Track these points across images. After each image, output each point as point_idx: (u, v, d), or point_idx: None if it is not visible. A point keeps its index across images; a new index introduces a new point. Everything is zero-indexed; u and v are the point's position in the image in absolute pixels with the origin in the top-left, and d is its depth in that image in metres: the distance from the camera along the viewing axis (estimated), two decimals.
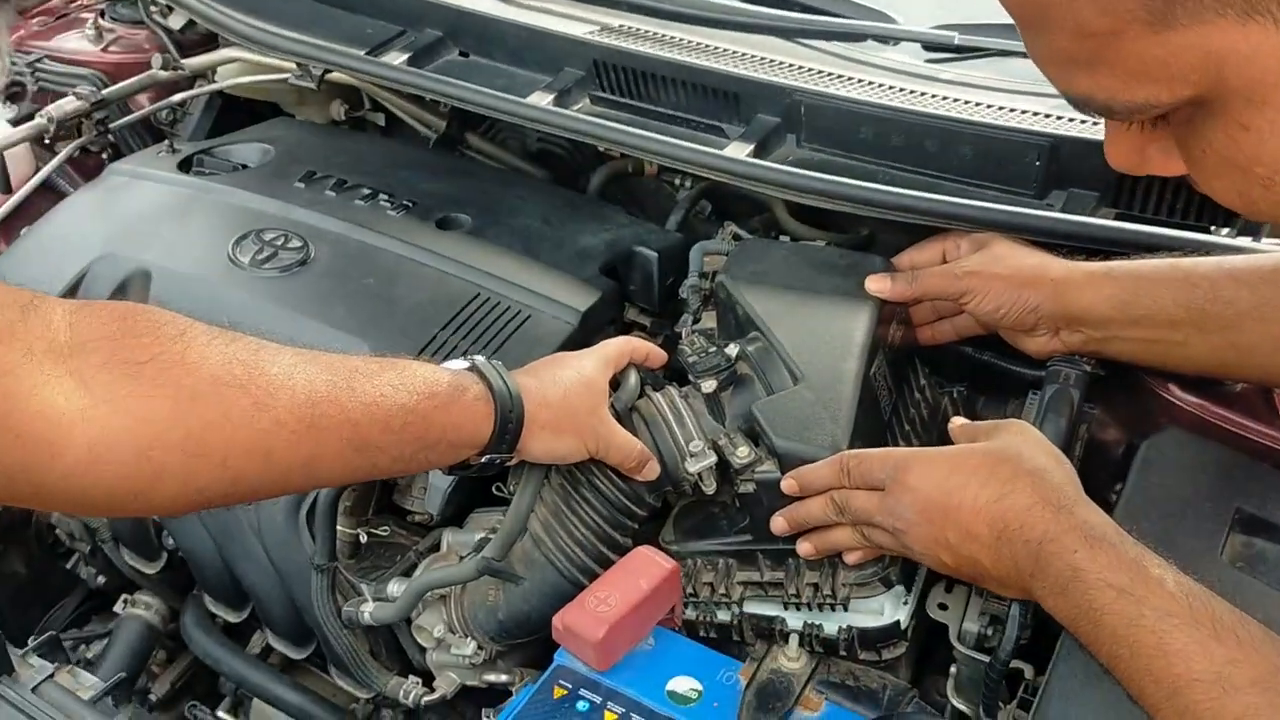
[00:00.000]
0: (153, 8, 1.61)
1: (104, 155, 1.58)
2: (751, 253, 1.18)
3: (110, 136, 1.56)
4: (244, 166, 1.43)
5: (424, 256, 1.22)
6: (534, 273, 1.21)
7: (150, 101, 1.61)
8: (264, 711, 1.27)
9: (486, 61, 1.42)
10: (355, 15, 1.49)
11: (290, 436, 0.78)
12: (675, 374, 1.12)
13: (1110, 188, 1.16)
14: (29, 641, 1.06)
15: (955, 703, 1.03)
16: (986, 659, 0.96)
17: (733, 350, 1.07)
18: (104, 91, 1.52)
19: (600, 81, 1.35)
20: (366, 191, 1.33)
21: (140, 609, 1.34)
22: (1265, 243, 1.05)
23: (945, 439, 1.00)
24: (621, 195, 1.51)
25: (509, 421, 0.92)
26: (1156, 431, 1.04)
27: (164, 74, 1.56)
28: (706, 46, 1.35)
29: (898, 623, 1.02)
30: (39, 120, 1.45)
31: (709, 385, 1.04)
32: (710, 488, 1.04)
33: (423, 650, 1.10)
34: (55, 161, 1.47)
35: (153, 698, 1.38)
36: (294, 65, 1.51)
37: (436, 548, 1.12)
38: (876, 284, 1.10)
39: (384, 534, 1.13)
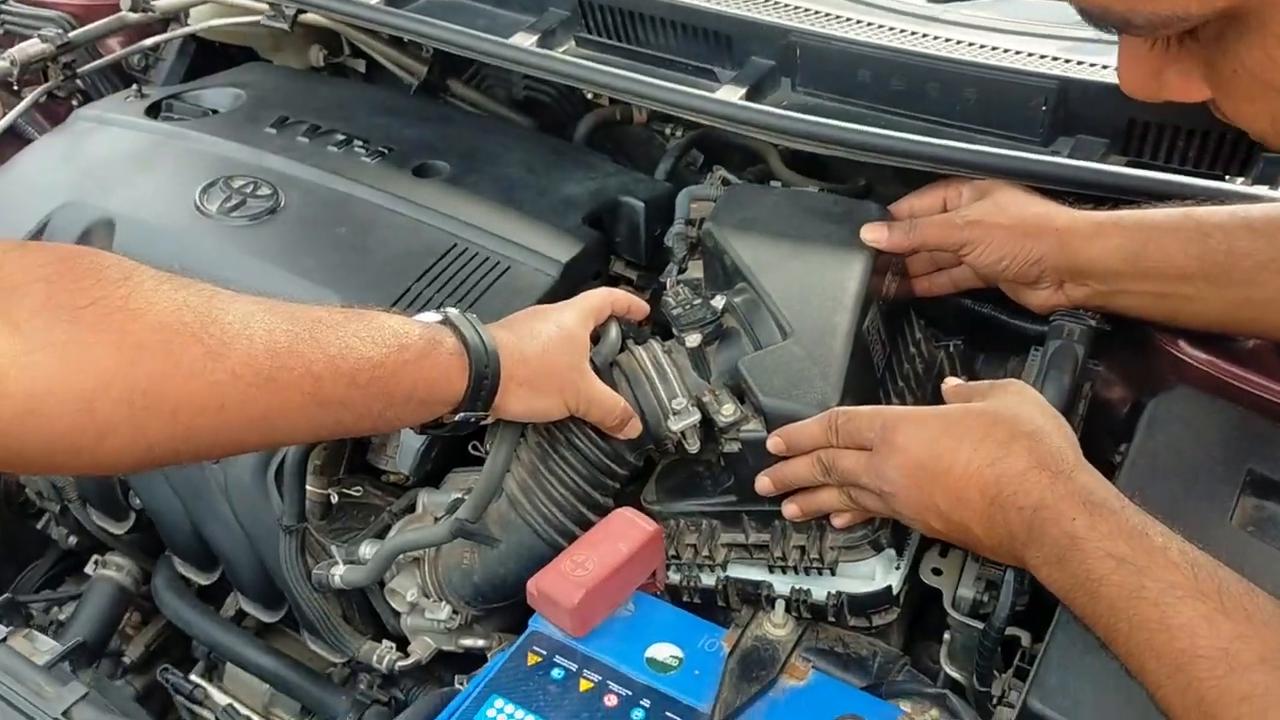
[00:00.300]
0: None
1: (74, 101, 1.52)
2: (741, 199, 1.12)
3: (79, 82, 1.50)
4: (214, 112, 1.38)
5: (399, 205, 1.17)
6: (514, 222, 1.15)
7: (121, 46, 1.55)
8: (238, 676, 1.24)
9: (468, 1, 1.35)
10: None
11: (246, 390, 0.73)
12: (661, 328, 1.07)
13: (1120, 134, 1.11)
14: None
15: (949, 670, 0.99)
16: (981, 626, 0.92)
17: (719, 302, 1.02)
18: (70, 34, 1.46)
19: (586, 22, 1.29)
20: (341, 137, 1.27)
21: (111, 570, 1.30)
22: None
23: (941, 396, 0.95)
24: (610, 145, 1.45)
25: (484, 377, 0.87)
26: (1164, 390, 0.99)
27: (134, 16, 1.50)
28: None
29: (889, 588, 0.97)
30: (1, 64, 1.39)
31: (693, 339, 0.99)
32: (694, 446, 1.00)
33: (397, 614, 1.06)
34: (20, 107, 1.42)
35: (126, 660, 1.34)
36: (267, 6, 1.45)
37: (412, 509, 1.08)
38: (872, 233, 1.04)
39: (357, 494, 1.08)
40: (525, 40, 1.26)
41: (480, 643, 1.06)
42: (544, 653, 0.88)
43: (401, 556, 1.02)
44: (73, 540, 1.38)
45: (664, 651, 0.88)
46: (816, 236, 1.06)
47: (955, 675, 0.99)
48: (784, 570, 0.98)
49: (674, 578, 1.02)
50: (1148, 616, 0.69)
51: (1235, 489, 0.89)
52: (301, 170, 1.21)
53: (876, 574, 0.98)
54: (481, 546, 0.99)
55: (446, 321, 0.89)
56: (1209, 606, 0.67)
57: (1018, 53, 1.14)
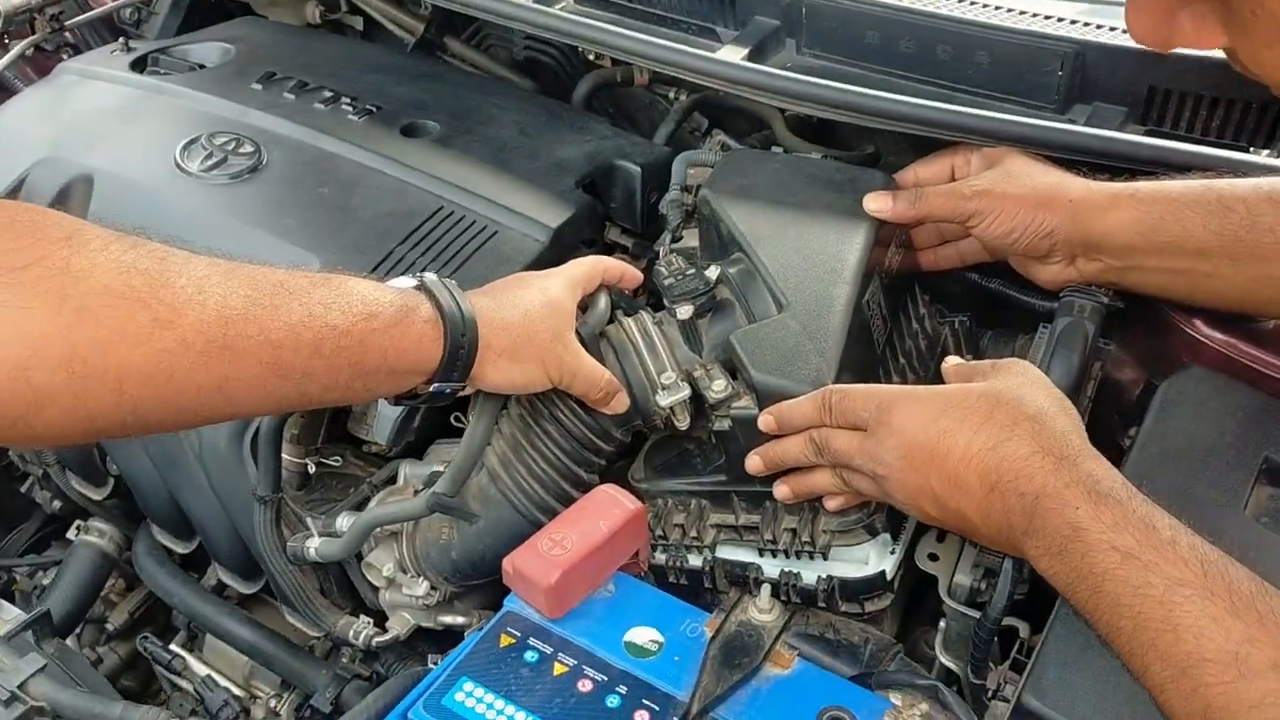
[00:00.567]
0: None
1: (62, 55, 1.49)
2: (740, 164, 1.07)
3: (67, 34, 1.46)
4: (201, 67, 1.33)
5: (385, 165, 1.13)
6: (504, 185, 1.11)
7: None
8: (218, 646, 1.21)
9: None
10: None
11: (198, 359, 0.69)
12: (657, 299, 1.03)
13: (1140, 102, 1.06)
14: None
15: (943, 660, 0.96)
16: (978, 615, 0.88)
17: (713, 273, 0.98)
18: None
19: None
20: (328, 95, 1.23)
21: (93, 536, 1.28)
22: None
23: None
24: (611, 108, 1.40)
25: (460, 347, 0.83)
26: (1178, 371, 0.94)
27: None
28: None
29: (883, 573, 0.93)
30: None
31: (685, 311, 0.95)
32: (683, 423, 0.96)
33: (375, 589, 1.03)
34: (5, 60, 1.38)
35: (109, 627, 1.32)
36: None
37: (393, 480, 1.04)
38: (876, 203, 1.00)
39: (335, 464, 1.05)
40: None
41: (460, 620, 1.03)
42: (518, 634, 0.84)
43: (379, 530, 0.98)
44: (57, 505, 1.35)
45: (643, 635, 0.85)
46: (817, 205, 1.02)
47: (950, 665, 0.95)
48: (774, 554, 0.94)
49: (660, 558, 0.98)
50: (1152, 615, 0.65)
51: (1250, 477, 0.85)
52: (286, 128, 1.17)
53: (870, 558, 0.94)
54: (460, 522, 0.96)
55: (422, 287, 0.85)
56: (1218, 606, 0.63)
57: (1033, 15, 1.09)
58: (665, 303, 0.97)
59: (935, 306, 1.11)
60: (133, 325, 0.67)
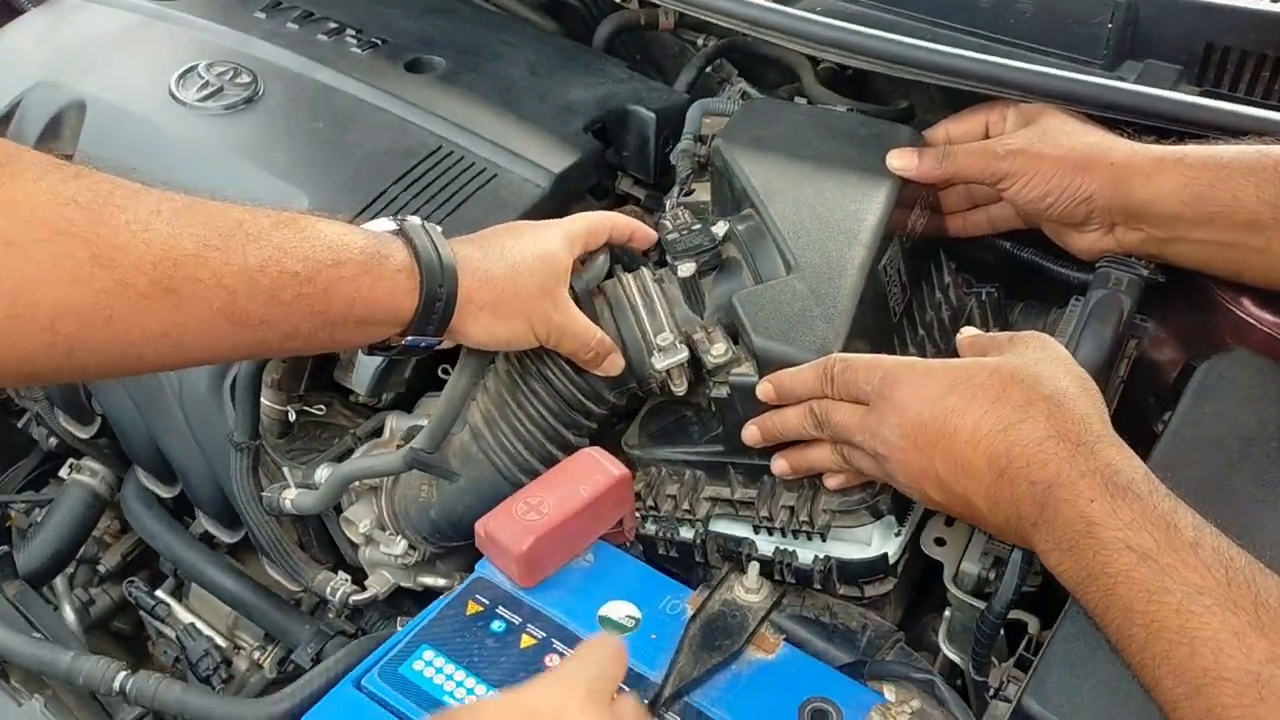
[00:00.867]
0: None
1: None
2: (758, 114, 1.00)
3: None
4: None
5: (385, 101, 1.07)
6: (507, 126, 1.05)
7: None
8: (205, 595, 1.18)
9: None
10: None
11: (140, 301, 0.65)
12: (663, 256, 0.97)
13: (1195, 60, 0.98)
14: None
15: (948, 652, 0.89)
16: (984, 606, 0.82)
17: (719, 229, 0.91)
18: None
19: None
20: (333, 25, 1.17)
21: (85, 476, 1.25)
22: None
23: None
24: (638, 54, 1.33)
25: (436, 299, 0.78)
26: (1221, 353, 0.87)
27: None
28: None
29: (885, 556, 0.87)
30: None
31: (687, 268, 0.89)
32: (680, 388, 0.90)
33: (355, 546, 0.99)
34: None
35: (102, 569, 1.30)
36: None
37: (379, 433, 1.00)
38: (901, 159, 0.92)
39: (319, 413, 1.01)
40: None
41: (441, 581, 0.98)
42: (486, 602, 0.80)
43: (357, 484, 0.94)
44: (53, 442, 1.32)
45: (620, 610, 0.80)
46: (837, 160, 0.95)
47: (954, 657, 0.89)
48: (770, 531, 0.88)
49: (650, 529, 0.92)
50: (1167, 625, 0.59)
51: None
52: (286, 58, 1.12)
53: (873, 540, 0.88)
54: (440, 480, 0.91)
55: (401, 232, 0.79)
56: (1241, 620, 0.57)
57: None
58: (667, 259, 0.91)
59: (962, 276, 1.03)
60: (68, 262, 0.62)
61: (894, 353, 0.90)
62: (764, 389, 0.83)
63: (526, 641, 0.77)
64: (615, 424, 0.98)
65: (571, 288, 0.87)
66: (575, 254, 0.88)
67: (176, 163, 1.02)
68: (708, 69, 1.22)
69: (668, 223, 0.92)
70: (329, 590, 0.98)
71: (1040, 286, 1.02)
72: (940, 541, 0.89)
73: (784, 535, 0.88)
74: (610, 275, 0.93)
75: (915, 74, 0.96)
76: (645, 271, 0.93)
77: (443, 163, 1.01)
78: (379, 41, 1.15)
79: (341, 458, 0.97)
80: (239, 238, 0.69)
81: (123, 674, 0.88)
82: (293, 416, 0.99)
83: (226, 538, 1.10)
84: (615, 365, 0.88)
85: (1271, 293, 0.86)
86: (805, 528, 0.86)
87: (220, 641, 1.16)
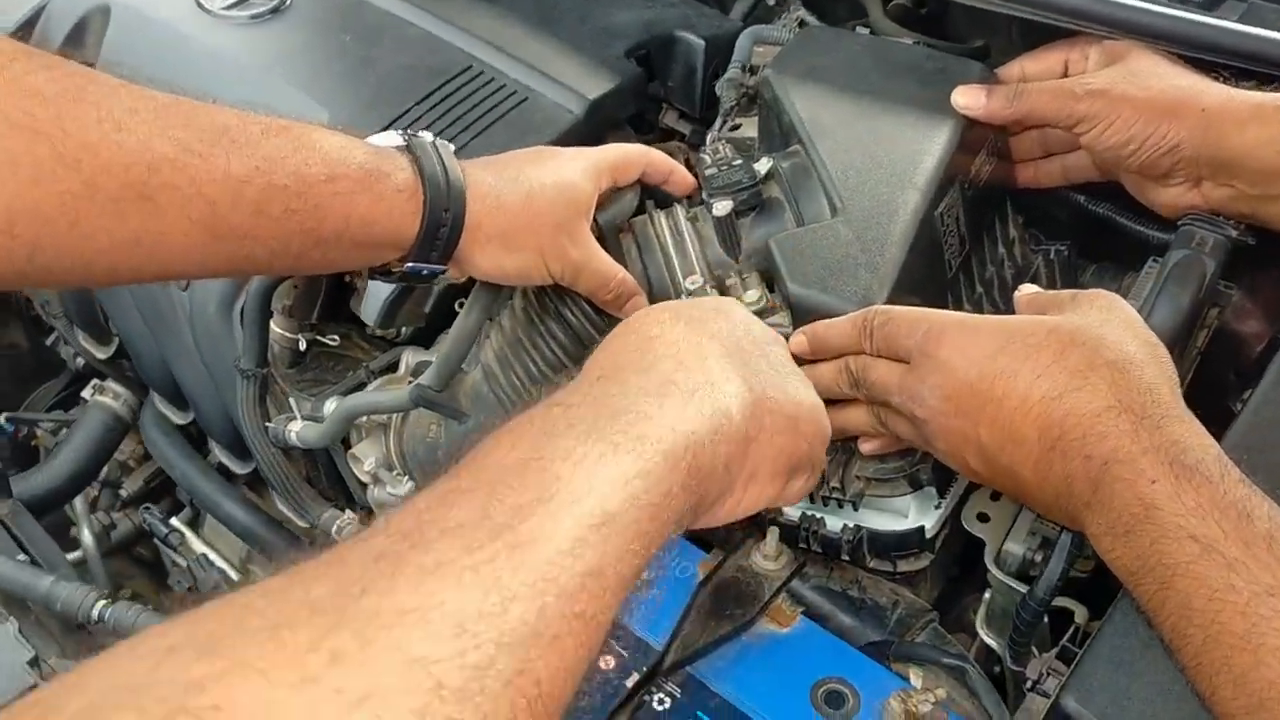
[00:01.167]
0: None
1: None
2: (813, 44, 0.92)
3: None
4: None
5: (415, 15, 1.01)
6: (543, 47, 0.98)
7: None
8: (220, 526, 1.15)
9: None
10: None
11: (110, 206, 0.60)
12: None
13: None
14: None
15: (985, 637, 0.82)
16: (1026, 590, 0.74)
17: (762, 166, 0.84)
18: None
19: None
20: None
21: (108, 398, 1.22)
22: None
23: None
24: None
25: (440, 224, 0.72)
26: None
27: None
28: None
29: (921, 529, 0.80)
30: None
31: (723, 207, 0.81)
32: None
33: (364, 485, 0.94)
34: None
35: (124, 494, 1.28)
36: None
37: (393, 368, 0.95)
38: (967, 97, 0.84)
39: (332, 344, 0.96)
40: None
41: None
42: None
43: (365, 420, 0.89)
44: (80, 362, 1.30)
45: None
46: (896, 96, 0.87)
47: (991, 643, 0.82)
48: None
49: None
50: (1230, 628, 0.51)
51: None
52: None
53: (910, 511, 0.81)
54: (449, 421, 0.85)
55: (407, 148, 0.73)
56: None
57: None
58: (703, 196, 0.84)
59: (1030, 232, 0.95)
60: (28, 159, 0.57)
61: (948, 310, 0.82)
62: (797, 341, 0.76)
63: None
64: None
65: (595, 222, 0.80)
66: (601, 187, 0.81)
67: (199, 72, 0.97)
68: None
69: (706, 157, 0.85)
70: (335, 529, 0.94)
71: (1115, 246, 0.93)
72: (983, 517, 0.82)
73: (811, 501, 0.81)
74: (641, 212, 0.86)
75: (994, 5, 0.87)
76: (678, 209, 0.86)
77: (472, 83, 0.95)
78: None
79: (352, 392, 0.92)
80: (224, 144, 0.63)
81: (101, 602, 0.84)
82: (304, 345, 0.94)
83: (237, 468, 1.07)
84: (638, 308, 0.82)
85: None
86: (836, 495, 0.79)
87: (233, 574, 1.13)
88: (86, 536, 1.20)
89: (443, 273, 0.75)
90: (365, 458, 0.90)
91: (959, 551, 0.88)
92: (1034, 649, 0.76)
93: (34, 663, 0.78)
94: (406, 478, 0.90)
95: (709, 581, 0.74)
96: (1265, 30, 0.81)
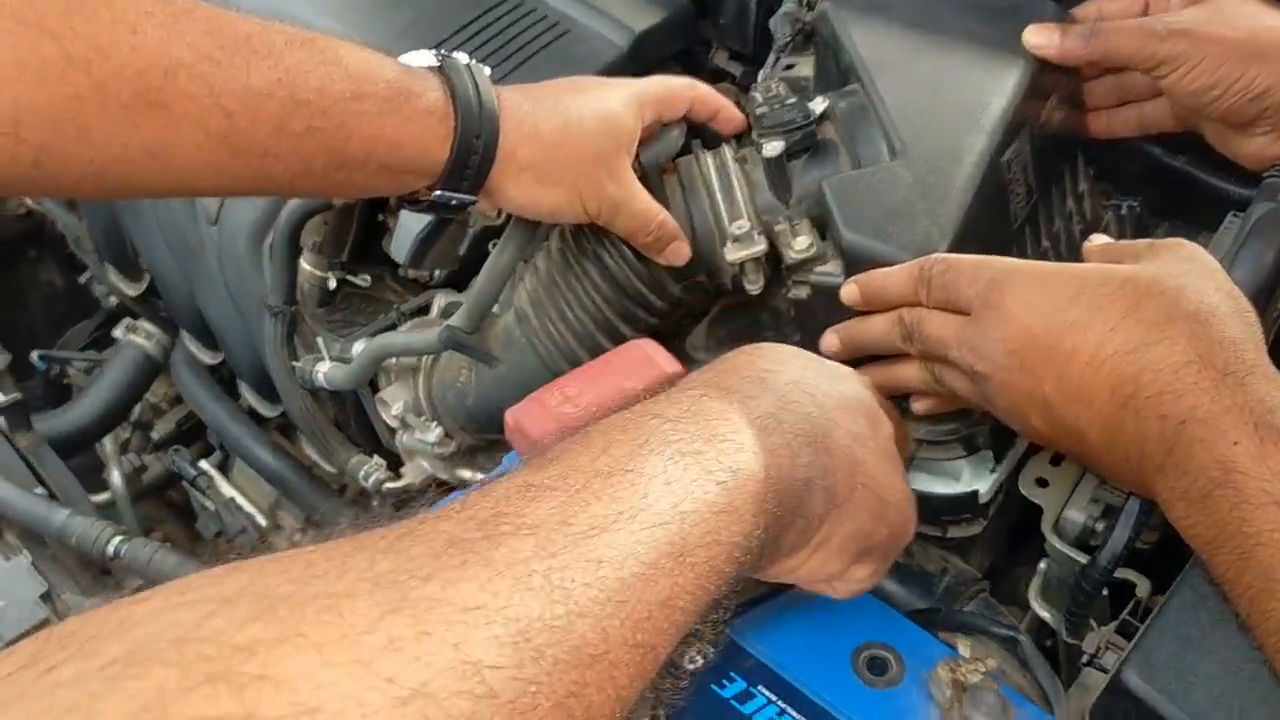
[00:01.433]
0: None
1: None
2: None
3: None
4: None
5: None
6: None
7: None
8: (250, 471, 1.13)
9: None
10: None
11: (121, 113, 0.57)
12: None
13: None
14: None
15: (1038, 608, 0.78)
16: (1085, 561, 0.70)
17: (817, 105, 0.79)
18: None
19: None
20: None
21: (140, 337, 1.20)
22: None
23: None
24: None
25: (471, 151, 0.68)
26: None
27: None
28: None
29: (975, 494, 0.76)
30: None
31: (774, 147, 0.77)
32: (755, 285, 0.79)
33: (392, 431, 0.92)
34: None
35: (155, 436, 1.26)
36: None
37: (425, 310, 0.91)
38: (1039, 36, 0.79)
39: (363, 284, 0.93)
40: None
41: (480, 476, 0.90)
42: None
43: (394, 363, 0.86)
44: (113, 300, 1.29)
45: None
46: (964, 33, 0.81)
47: (1045, 615, 0.77)
48: None
49: None
50: None
51: None
52: None
53: (963, 475, 0.77)
54: (479, 365, 0.82)
55: (440, 69, 0.69)
56: None
57: None
58: (753, 136, 0.79)
59: (1101, 186, 0.90)
60: (35, 59, 0.54)
61: None
62: (849, 291, 0.71)
63: None
64: (684, 324, 0.88)
65: (637, 159, 0.76)
66: (644, 121, 0.77)
67: None
68: None
69: (758, 95, 0.81)
70: (362, 474, 0.92)
71: (1191, 202, 0.88)
72: (1042, 482, 0.77)
73: None
74: (687, 151, 0.81)
75: None
76: (726, 149, 0.81)
77: (512, 13, 0.91)
78: None
79: (381, 333, 0.89)
80: (244, 53, 0.60)
81: (117, 538, 0.82)
82: (333, 284, 0.91)
83: (266, 410, 1.05)
84: (679, 253, 0.78)
85: None
86: None
87: (261, 520, 1.11)
88: (116, 478, 1.18)
89: (473, 203, 0.72)
90: (393, 402, 0.87)
91: (1014, 519, 0.84)
92: (1091, 622, 0.71)
93: (46, 597, 0.76)
94: (435, 423, 0.86)
95: None
96: None
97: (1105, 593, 0.70)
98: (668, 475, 0.45)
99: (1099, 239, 0.71)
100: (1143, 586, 0.73)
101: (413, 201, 0.71)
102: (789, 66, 0.90)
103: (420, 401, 0.87)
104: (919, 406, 0.73)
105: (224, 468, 1.18)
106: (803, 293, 0.76)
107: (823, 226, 0.77)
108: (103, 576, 0.85)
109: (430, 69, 0.69)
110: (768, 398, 0.54)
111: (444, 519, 0.40)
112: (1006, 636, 0.70)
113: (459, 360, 0.84)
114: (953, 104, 0.77)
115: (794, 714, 0.62)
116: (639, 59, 0.90)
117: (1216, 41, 0.74)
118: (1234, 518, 0.52)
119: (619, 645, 0.39)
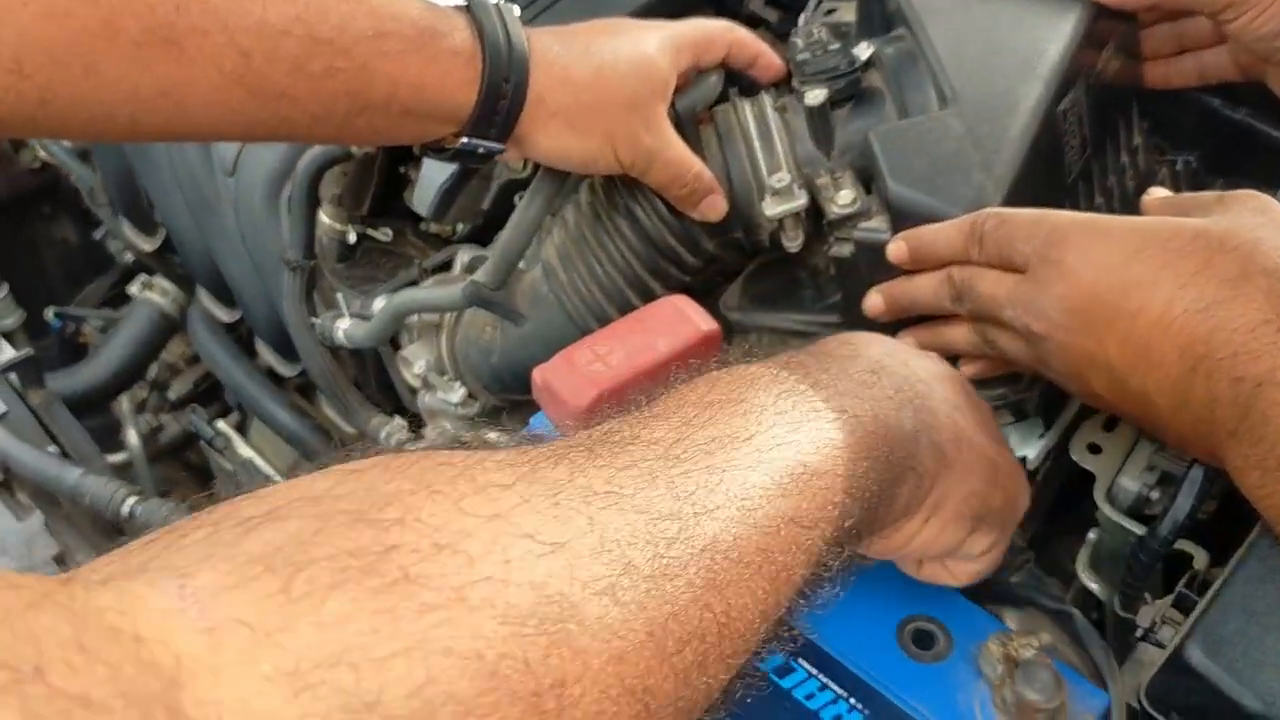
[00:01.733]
0: None
1: None
2: None
3: None
4: None
5: None
6: None
7: None
8: (268, 432, 1.11)
9: None
10: None
11: (132, 51, 0.54)
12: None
13: None
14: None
15: (1085, 580, 0.74)
16: (1141, 532, 0.67)
17: (862, 51, 0.75)
18: None
19: None
20: None
21: (155, 295, 1.18)
22: None
23: None
24: None
25: (500, 96, 0.64)
26: None
27: None
28: None
29: (1022, 460, 0.73)
30: None
31: (817, 95, 0.73)
32: (795, 242, 0.76)
33: (414, 390, 0.89)
34: None
35: (171, 396, 1.24)
36: None
37: (448, 266, 0.88)
38: None
39: (384, 239, 0.89)
40: None
41: (505, 438, 0.87)
42: None
43: (416, 320, 0.83)
44: (128, 257, 1.26)
45: None
46: None
47: (1093, 587, 0.74)
48: None
49: None
50: None
51: None
52: None
53: (1010, 439, 0.74)
54: (505, 322, 0.79)
55: (468, 8, 0.66)
56: None
57: None
58: (794, 83, 0.76)
59: (1155, 141, 0.85)
60: None
61: None
62: (896, 248, 0.68)
63: None
64: (717, 282, 0.85)
65: (672, 107, 0.72)
66: (681, 67, 0.73)
67: None
68: None
69: (799, 40, 0.77)
70: (383, 435, 0.89)
71: (1252, 158, 0.84)
72: (1095, 449, 0.73)
73: None
74: (724, 99, 0.78)
75: None
76: (765, 98, 0.77)
77: None
78: None
79: (403, 289, 0.86)
80: None
81: (132, 499, 0.80)
82: (353, 238, 0.88)
83: (284, 369, 1.02)
84: (715, 207, 0.74)
85: None
86: None
87: (279, 481, 1.09)
88: (132, 438, 1.16)
89: (500, 152, 0.68)
90: (415, 360, 0.84)
91: (1060, 487, 0.81)
92: (1145, 595, 0.68)
93: (59, 559, 0.74)
94: (459, 383, 0.84)
95: None
96: None
97: (1159, 566, 0.67)
98: (779, 407, 0.44)
99: (1158, 192, 0.67)
100: (1200, 558, 0.69)
101: (437, 150, 0.68)
102: (830, 11, 0.86)
103: (443, 360, 0.84)
104: (968, 370, 0.69)
105: (242, 428, 1.15)
106: (845, 250, 0.73)
107: (867, 180, 0.73)
108: (117, 538, 0.83)
109: (457, 8, 0.66)
110: (862, 361, 0.52)
111: (552, 445, 0.39)
112: (1057, 610, 0.67)
113: (484, 317, 0.81)
114: (1007, 50, 0.73)
115: (836, 689, 0.59)
116: (672, 2, 0.86)
117: None
118: None
119: (752, 550, 0.38)
